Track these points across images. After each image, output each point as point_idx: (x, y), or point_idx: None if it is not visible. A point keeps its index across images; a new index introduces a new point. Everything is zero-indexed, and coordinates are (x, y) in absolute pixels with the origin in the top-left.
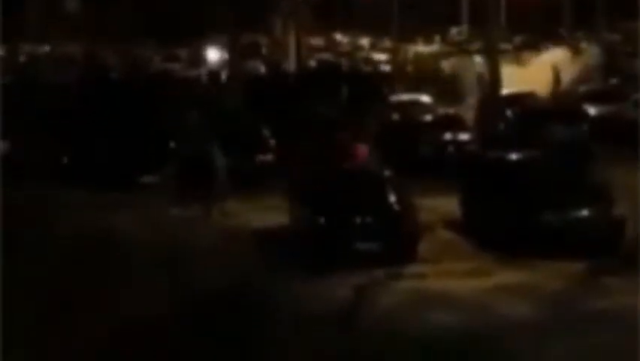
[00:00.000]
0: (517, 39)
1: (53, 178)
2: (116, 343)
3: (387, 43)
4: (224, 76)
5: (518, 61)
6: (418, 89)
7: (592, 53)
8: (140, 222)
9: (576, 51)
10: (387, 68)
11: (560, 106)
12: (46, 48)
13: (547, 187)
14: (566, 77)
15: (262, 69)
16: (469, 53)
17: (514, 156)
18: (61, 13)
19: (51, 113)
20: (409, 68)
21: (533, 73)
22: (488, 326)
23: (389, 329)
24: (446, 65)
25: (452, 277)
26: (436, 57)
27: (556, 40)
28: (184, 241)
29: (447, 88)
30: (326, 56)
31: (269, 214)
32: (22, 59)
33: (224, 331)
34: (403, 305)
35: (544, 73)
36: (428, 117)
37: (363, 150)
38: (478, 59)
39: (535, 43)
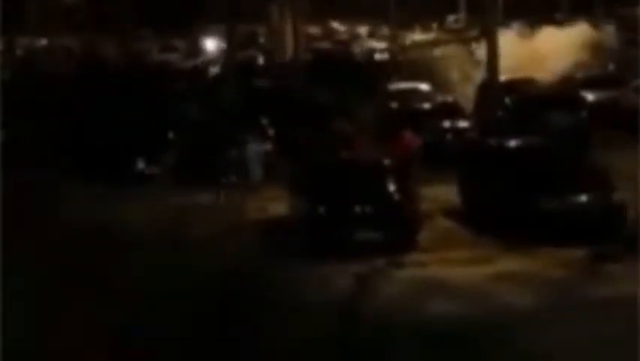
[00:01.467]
0: (515, 25)
1: (52, 170)
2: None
3: (385, 31)
4: (221, 66)
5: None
6: (416, 77)
7: (608, 32)
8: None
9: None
10: (385, 56)
11: (558, 92)
12: (44, 41)
13: (547, 173)
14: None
15: (259, 59)
16: (466, 41)
17: (513, 143)
18: (58, 6)
19: (49, 106)
20: (406, 56)
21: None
22: (488, 313)
23: (389, 317)
24: (439, 53)
25: (452, 265)
26: (432, 45)
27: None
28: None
29: (440, 76)
30: (323, 44)
31: (269, 204)
32: (19, 52)
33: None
34: (403, 294)
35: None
36: (427, 105)
37: (410, 137)
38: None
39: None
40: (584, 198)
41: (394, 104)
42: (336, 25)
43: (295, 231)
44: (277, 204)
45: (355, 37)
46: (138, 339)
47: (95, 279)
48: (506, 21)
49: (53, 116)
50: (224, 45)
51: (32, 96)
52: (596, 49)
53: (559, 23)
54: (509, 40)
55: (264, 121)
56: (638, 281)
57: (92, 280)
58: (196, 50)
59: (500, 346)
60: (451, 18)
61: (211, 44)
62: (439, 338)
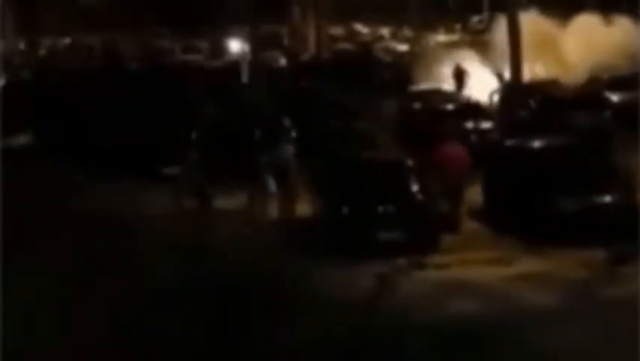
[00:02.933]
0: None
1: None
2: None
3: (408, 32)
4: (245, 67)
5: None
6: (439, 78)
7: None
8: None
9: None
10: (407, 57)
11: (582, 93)
12: (66, 41)
13: (569, 174)
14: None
15: (282, 60)
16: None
17: (536, 144)
18: (80, 5)
19: (71, 106)
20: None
21: None
22: (508, 314)
23: (411, 317)
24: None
25: (474, 266)
26: (454, 46)
27: None
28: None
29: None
30: (346, 46)
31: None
32: (42, 52)
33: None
34: (424, 294)
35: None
36: (450, 106)
37: (461, 152)
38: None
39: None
40: (606, 199)
41: (417, 105)
42: (358, 26)
43: (318, 231)
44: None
45: (378, 38)
46: None
47: None
48: None
49: (75, 116)
50: (246, 46)
51: (55, 96)
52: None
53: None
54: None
55: (287, 122)
56: None
57: None
58: (219, 50)
59: (517, 345)
60: (475, 19)
61: (235, 45)
62: (457, 337)
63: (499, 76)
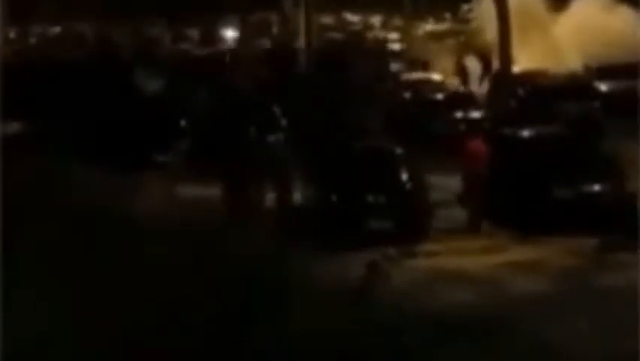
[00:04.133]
0: None
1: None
2: None
3: (398, 22)
4: (234, 55)
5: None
6: (429, 67)
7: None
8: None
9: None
10: (397, 46)
11: (571, 83)
12: (57, 29)
13: (560, 163)
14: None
15: (272, 48)
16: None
17: (526, 133)
18: None
19: (62, 94)
20: (419, 47)
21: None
22: (499, 302)
23: (401, 306)
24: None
25: (464, 255)
26: (445, 36)
27: None
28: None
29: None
30: (336, 35)
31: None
32: (33, 40)
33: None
34: (415, 282)
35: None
36: (439, 95)
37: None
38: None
39: None
40: (597, 187)
41: (407, 94)
42: (349, 15)
43: (308, 220)
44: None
45: (368, 27)
46: None
47: None
48: None
49: (67, 105)
50: (236, 34)
51: (46, 85)
52: None
53: None
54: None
55: (277, 110)
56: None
57: None
58: (210, 39)
59: (508, 333)
60: (465, 7)
61: (226, 34)
62: (448, 324)
63: (485, 61)
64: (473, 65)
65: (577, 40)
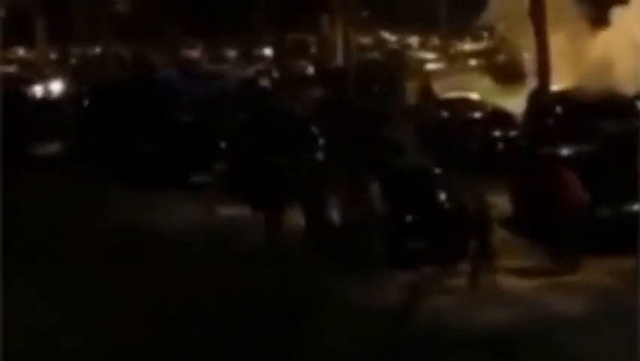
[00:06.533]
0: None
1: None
2: None
3: (436, 41)
4: (272, 76)
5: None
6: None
7: None
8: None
9: None
10: (435, 66)
11: (610, 101)
12: (97, 50)
13: (599, 182)
14: None
15: (310, 68)
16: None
17: (564, 152)
18: (108, 15)
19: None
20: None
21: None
22: (539, 323)
23: (441, 326)
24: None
25: (504, 275)
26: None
27: None
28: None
29: None
30: (374, 55)
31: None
32: (73, 61)
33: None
34: (453, 303)
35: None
36: (477, 114)
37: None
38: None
39: None
40: (636, 207)
41: (445, 113)
42: (386, 35)
43: (346, 240)
44: None
45: (406, 47)
46: None
47: None
48: None
49: (105, 125)
50: (274, 54)
51: (85, 105)
52: None
53: None
54: None
55: (315, 130)
56: None
57: None
58: (247, 59)
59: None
60: (501, 26)
61: (267, 54)
62: (488, 346)
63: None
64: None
65: (616, 56)
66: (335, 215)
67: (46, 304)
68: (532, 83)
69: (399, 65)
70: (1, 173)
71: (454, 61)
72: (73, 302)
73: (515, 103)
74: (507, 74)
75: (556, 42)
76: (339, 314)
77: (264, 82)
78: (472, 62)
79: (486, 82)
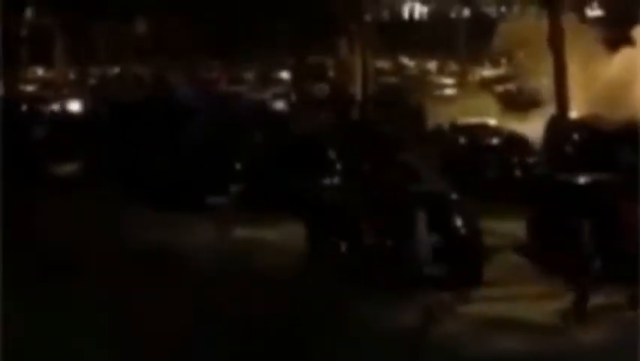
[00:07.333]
0: None
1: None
2: None
3: (454, 66)
4: (290, 99)
5: None
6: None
7: None
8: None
9: None
10: (453, 91)
11: (628, 128)
12: (115, 70)
13: (617, 210)
14: None
15: (328, 92)
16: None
17: (582, 179)
18: (127, 35)
19: (119, 135)
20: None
21: None
22: (554, 350)
23: (456, 352)
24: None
25: (519, 301)
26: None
27: None
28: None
29: None
30: (392, 79)
31: None
32: (92, 81)
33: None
34: (468, 329)
35: None
36: (495, 140)
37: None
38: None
39: None
40: None
41: (463, 139)
42: (405, 60)
43: (362, 263)
44: None
45: (424, 72)
46: None
47: None
48: None
49: (124, 144)
50: (292, 78)
51: (103, 126)
52: None
53: None
54: None
55: (332, 154)
56: None
57: None
58: (265, 82)
59: None
60: (520, 53)
61: (285, 77)
62: None
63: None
64: None
65: (632, 78)
66: (354, 238)
67: (60, 324)
68: (549, 109)
69: (417, 90)
70: (20, 192)
71: (472, 86)
72: (86, 322)
73: (532, 129)
74: (524, 100)
75: (571, 66)
76: (354, 338)
77: (282, 105)
78: (490, 87)
79: (503, 108)
